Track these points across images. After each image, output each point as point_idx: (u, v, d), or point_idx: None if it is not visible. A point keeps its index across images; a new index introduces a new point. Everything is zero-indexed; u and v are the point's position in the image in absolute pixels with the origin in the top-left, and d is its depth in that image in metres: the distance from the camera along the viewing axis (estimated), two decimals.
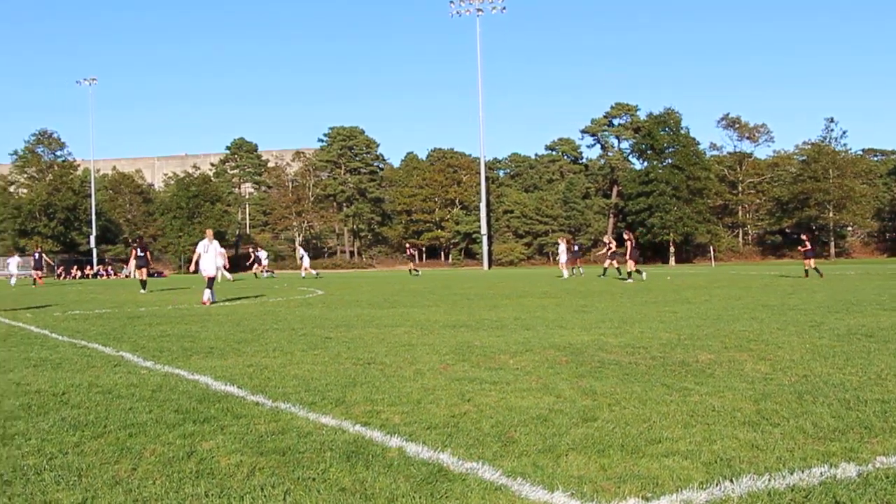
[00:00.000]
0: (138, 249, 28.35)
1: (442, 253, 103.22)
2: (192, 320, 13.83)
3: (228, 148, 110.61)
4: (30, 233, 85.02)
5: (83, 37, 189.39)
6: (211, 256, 19.98)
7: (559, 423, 5.14)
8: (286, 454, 4.48)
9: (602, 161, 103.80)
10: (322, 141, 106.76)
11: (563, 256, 35.58)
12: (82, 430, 5.11)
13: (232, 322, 13.31)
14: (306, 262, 46.34)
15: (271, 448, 4.60)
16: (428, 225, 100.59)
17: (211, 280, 19.92)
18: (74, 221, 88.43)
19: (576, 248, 43.94)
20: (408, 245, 64.23)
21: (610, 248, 34.21)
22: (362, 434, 4.92)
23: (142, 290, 26.86)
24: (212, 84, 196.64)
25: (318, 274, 48.49)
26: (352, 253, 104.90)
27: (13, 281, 42.58)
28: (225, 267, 21.99)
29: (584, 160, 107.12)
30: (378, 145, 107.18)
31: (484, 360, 8.06)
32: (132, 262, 29.33)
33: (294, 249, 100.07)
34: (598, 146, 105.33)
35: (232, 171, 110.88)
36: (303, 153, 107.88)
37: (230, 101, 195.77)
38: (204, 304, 18.79)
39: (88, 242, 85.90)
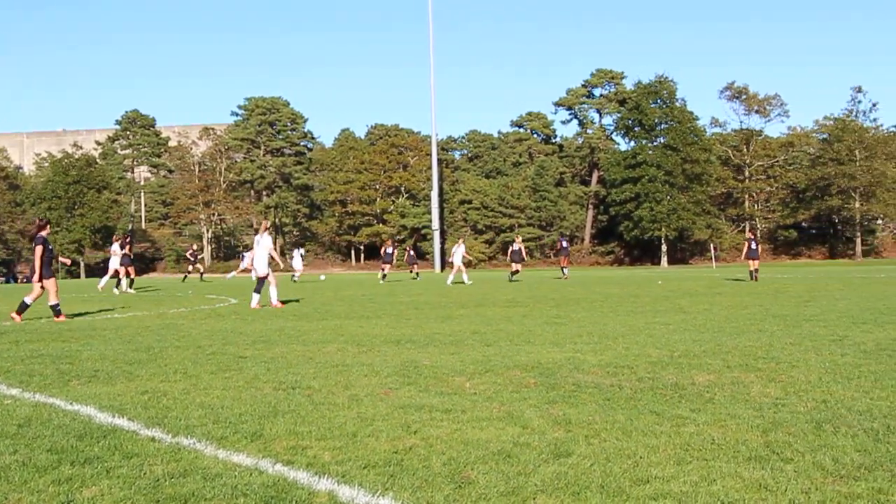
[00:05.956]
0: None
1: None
2: (71, 337, 13.62)
3: (118, 122, 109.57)
4: None
5: None
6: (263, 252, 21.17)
7: (526, 459, 5.17)
8: (189, 502, 4.45)
9: (580, 140, 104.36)
10: (236, 115, 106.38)
11: (457, 257, 36.26)
12: None
13: (122, 339, 13.16)
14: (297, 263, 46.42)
15: (170, 494, 4.57)
16: (367, 218, 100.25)
17: (261, 280, 20.95)
18: None
19: (565, 244, 43.90)
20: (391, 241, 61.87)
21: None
22: (284, 475, 4.90)
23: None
24: (97, 42, 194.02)
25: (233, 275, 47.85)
26: None
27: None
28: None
29: (557, 139, 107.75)
30: (306, 120, 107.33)
31: (434, 383, 8.08)
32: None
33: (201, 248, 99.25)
34: (576, 122, 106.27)
35: (123, 152, 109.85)
36: (212, 130, 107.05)
37: (120, 64, 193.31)
38: (255, 308, 20.07)
39: None
